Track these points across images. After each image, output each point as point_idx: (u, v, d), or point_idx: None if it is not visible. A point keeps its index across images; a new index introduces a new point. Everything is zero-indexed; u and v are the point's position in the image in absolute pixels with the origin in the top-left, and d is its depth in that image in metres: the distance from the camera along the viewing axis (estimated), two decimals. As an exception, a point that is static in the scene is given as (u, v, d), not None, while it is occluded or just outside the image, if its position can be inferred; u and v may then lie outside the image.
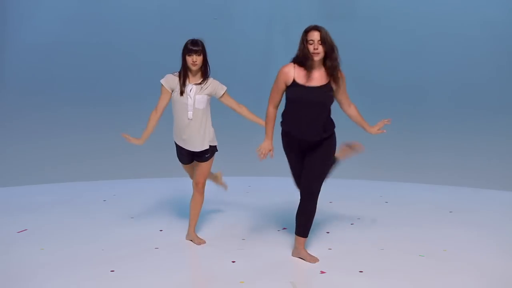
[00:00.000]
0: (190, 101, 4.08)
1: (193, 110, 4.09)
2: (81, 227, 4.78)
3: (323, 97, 3.67)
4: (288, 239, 4.45)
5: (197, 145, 4.17)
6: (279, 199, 5.80)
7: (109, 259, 3.93)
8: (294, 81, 3.67)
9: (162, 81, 4.13)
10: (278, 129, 3.95)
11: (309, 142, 3.78)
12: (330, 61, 3.65)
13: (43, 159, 6.76)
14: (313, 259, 3.92)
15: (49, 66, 6.94)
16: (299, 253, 3.98)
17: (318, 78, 3.68)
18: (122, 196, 6.09)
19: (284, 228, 4.78)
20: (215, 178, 4.79)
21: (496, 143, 6.64)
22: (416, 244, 4.31)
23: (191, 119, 4.10)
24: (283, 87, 3.74)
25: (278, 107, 3.87)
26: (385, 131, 3.92)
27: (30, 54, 6.88)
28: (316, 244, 4.26)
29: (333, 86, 3.71)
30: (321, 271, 3.73)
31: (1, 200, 5.84)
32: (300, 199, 3.95)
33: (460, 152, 6.76)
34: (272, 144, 3.85)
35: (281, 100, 3.83)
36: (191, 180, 4.43)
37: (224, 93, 4.21)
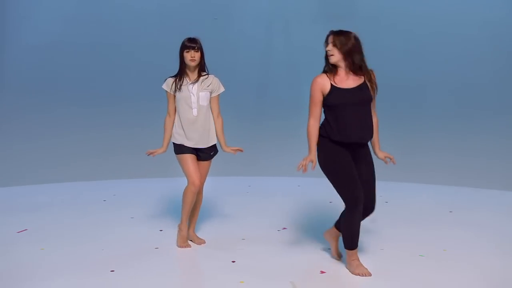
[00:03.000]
0: (193, 99, 4.12)
1: (198, 107, 4.12)
2: (81, 227, 4.78)
3: (363, 96, 3.60)
4: (288, 239, 4.46)
5: (205, 142, 4.19)
6: (279, 199, 5.80)
7: (109, 259, 3.93)
8: (332, 86, 3.60)
9: (164, 86, 4.21)
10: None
11: (359, 145, 3.64)
12: (349, 62, 3.60)
13: (43, 159, 6.77)
14: (366, 272, 3.65)
15: (49, 66, 6.94)
16: (357, 266, 3.69)
17: (351, 79, 3.63)
18: (122, 196, 6.09)
19: (284, 228, 4.78)
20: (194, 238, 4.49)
21: (496, 143, 6.64)
22: (416, 244, 4.31)
23: (197, 116, 4.12)
24: (320, 97, 3.63)
25: (320, 120, 3.71)
26: (387, 163, 3.78)
27: (30, 54, 6.88)
28: (316, 244, 4.26)
29: (368, 84, 3.65)
30: (321, 271, 3.72)
31: (1, 200, 5.85)
32: (364, 215, 3.71)
33: (460, 152, 6.76)
34: (315, 157, 3.63)
35: (321, 112, 3.68)
36: (188, 180, 4.18)
37: (219, 94, 4.25)
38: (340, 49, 3.59)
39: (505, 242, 4.38)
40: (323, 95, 3.62)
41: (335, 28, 3.67)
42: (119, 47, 7.08)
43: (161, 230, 4.70)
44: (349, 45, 3.59)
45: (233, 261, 3.93)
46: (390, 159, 3.77)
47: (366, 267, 3.69)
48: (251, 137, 7.02)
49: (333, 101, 3.57)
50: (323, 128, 3.67)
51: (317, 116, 3.66)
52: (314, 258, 4.02)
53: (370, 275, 3.59)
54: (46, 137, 6.87)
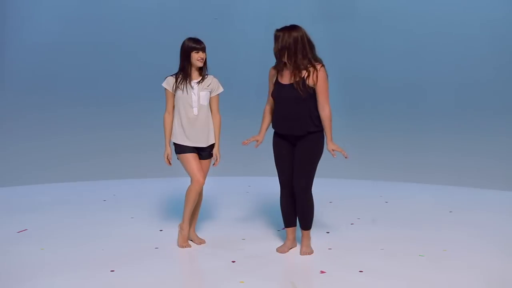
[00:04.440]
0: (194, 98, 4.15)
1: (198, 106, 4.15)
2: (81, 227, 4.78)
3: (292, 93, 3.85)
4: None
5: (204, 141, 4.22)
6: (279, 199, 5.79)
7: (109, 259, 3.94)
8: (276, 79, 3.99)
9: (164, 84, 4.22)
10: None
11: (294, 136, 3.95)
12: (288, 58, 3.85)
13: (43, 159, 6.76)
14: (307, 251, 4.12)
15: (49, 66, 6.93)
16: (288, 242, 4.23)
17: (291, 75, 3.88)
18: (122, 196, 6.09)
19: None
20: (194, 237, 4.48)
21: (496, 143, 6.63)
22: (416, 244, 4.31)
23: (197, 115, 4.15)
24: (271, 87, 4.06)
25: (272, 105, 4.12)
26: (335, 156, 3.93)
27: (30, 54, 6.87)
28: (316, 244, 4.26)
29: (309, 82, 3.84)
30: (321, 271, 3.72)
31: (1, 200, 5.85)
32: (296, 196, 4.05)
33: (460, 152, 6.75)
34: (261, 138, 4.18)
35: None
36: (192, 178, 4.20)
37: (218, 94, 4.29)
38: (278, 47, 3.87)
39: (505, 242, 4.38)
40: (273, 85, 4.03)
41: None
42: (119, 47, 7.07)
43: (161, 230, 4.71)
44: (284, 43, 3.83)
45: (233, 261, 3.93)
46: (341, 152, 3.90)
47: (366, 266, 3.70)
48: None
49: (272, 93, 4.01)
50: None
51: (269, 102, 4.13)
52: (314, 258, 4.02)
53: (282, 252, 4.12)
54: (46, 137, 6.86)
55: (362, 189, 6.44)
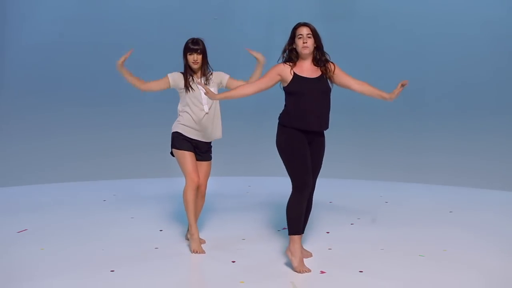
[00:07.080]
0: (203, 95, 4.13)
1: (208, 103, 4.17)
2: (81, 227, 4.78)
3: (325, 86, 3.76)
4: (288, 239, 4.44)
5: (213, 135, 4.25)
6: (279, 199, 5.79)
7: (109, 259, 3.93)
8: (295, 74, 3.73)
9: (169, 74, 4.20)
10: (271, 126, 3.95)
11: (317, 133, 3.80)
12: (319, 55, 3.78)
13: (43, 159, 6.77)
14: (308, 254, 3.97)
15: (49, 66, 6.95)
16: (303, 252, 3.86)
17: (313, 70, 3.77)
18: (122, 196, 6.09)
19: (284, 228, 4.76)
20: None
21: (496, 143, 6.64)
22: (416, 244, 4.30)
23: (208, 112, 4.17)
24: (275, 77, 3.78)
25: (251, 88, 3.83)
26: (403, 86, 3.72)
27: (30, 54, 6.88)
28: (316, 244, 4.26)
29: (326, 76, 3.79)
30: (321, 271, 3.72)
31: (1, 200, 5.85)
32: (303, 197, 3.80)
33: (460, 152, 6.76)
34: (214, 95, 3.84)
35: (261, 87, 3.82)
36: (186, 177, 4.18)
37: (228, 79, 4.28)
38: (315, 43, 3.74)
39: (505, 242, 4.38)
40: (280, 77, 3.76)
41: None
42: (119, 47, 7.02)
43: (161, 230, 4.71)
44: (319, 39, 3.76)
45: (233, 261, 3.93)
46: (402, 85, 3.73)
47: (366, 266, 3.72)
48: (251, 137, 7.03)
49: (296, 88, 3.70)
50: (284, 117, 3.79)
51: (253, 83, 3.88)
52: (314, 258, 4.01)
53: (309, 271, 3.67)
54: (46, 137, 6.87)
55: (362, 189, 6.44)
